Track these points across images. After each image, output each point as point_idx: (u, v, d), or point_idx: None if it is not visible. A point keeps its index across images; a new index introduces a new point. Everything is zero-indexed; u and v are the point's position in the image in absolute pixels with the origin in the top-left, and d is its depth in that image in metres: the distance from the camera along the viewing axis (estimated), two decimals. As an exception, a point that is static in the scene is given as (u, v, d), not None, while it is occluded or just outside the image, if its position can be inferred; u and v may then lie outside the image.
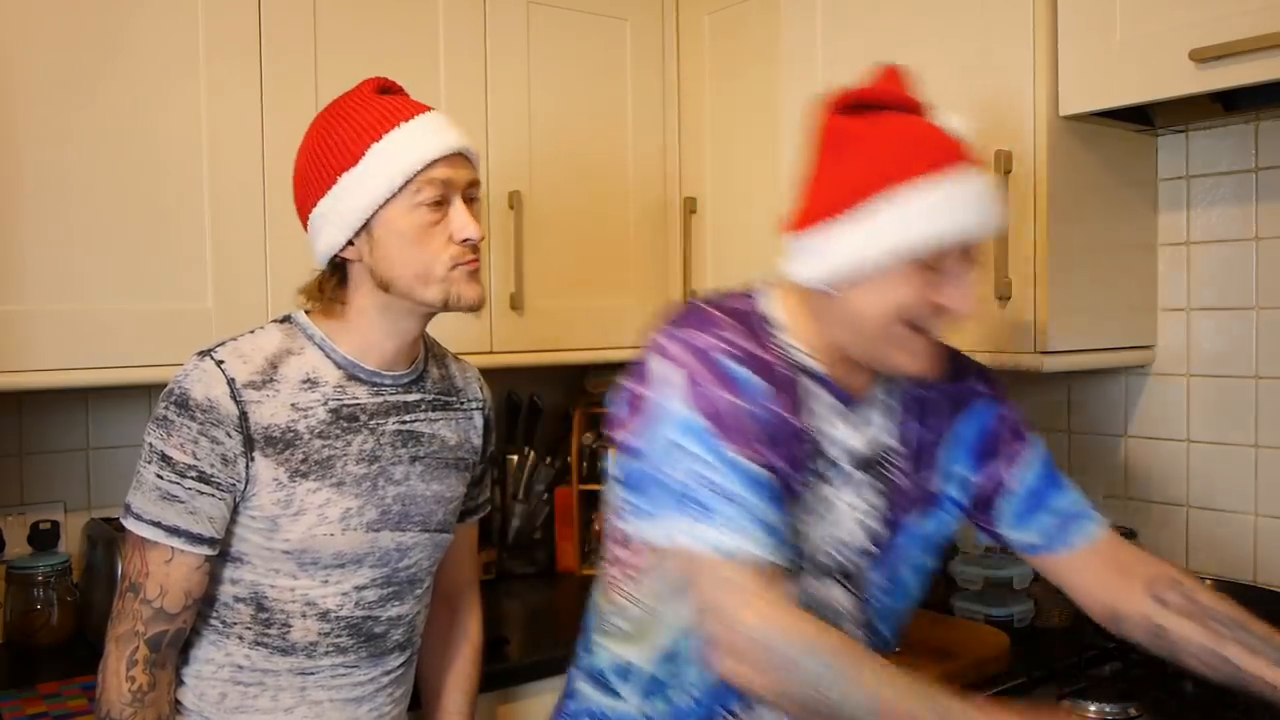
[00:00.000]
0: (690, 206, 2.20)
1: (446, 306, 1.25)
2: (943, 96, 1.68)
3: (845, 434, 1.13)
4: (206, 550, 1.19)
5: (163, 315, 1.63)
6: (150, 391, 1.95)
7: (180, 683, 1.26)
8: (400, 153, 1.19)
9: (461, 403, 1.41)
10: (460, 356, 1.48)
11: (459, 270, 1.24)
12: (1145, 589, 1.18)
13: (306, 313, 1.30)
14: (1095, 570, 1.22)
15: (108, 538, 1.71)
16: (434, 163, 1.20)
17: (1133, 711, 1.40)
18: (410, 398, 1.32)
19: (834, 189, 1.07)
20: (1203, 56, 1.35)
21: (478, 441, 1.43)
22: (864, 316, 1.06)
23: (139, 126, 1.62)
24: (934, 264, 1.04)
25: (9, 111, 1.52)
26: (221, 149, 1.68)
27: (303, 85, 1.74)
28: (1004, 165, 1.57)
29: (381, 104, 1.23)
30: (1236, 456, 1.72)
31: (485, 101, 1.97)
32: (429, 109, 1.25)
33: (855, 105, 1.08)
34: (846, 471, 1.13)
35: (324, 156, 1.23)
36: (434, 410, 1.35)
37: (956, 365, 1.23)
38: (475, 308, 1.27)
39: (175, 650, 1.23)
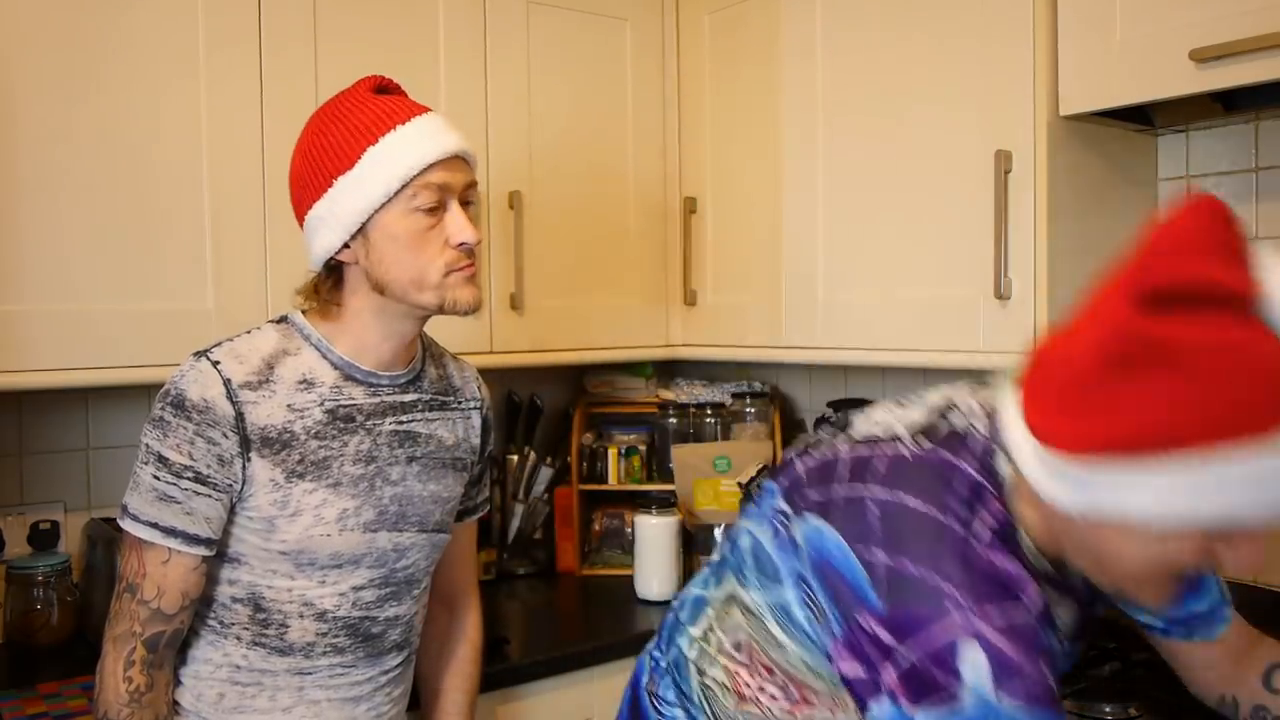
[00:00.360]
0: (690, 206, 2.20)
1: (442, 310, 1.25)
2: (943, 96, 1.69)
3: (1062, 618, 1.04)
4: (203, 551, 1.19)
5: (163, 315, 1.63)
6: (150, 391, 1.95)
7: (178, 683, 1.26)
8: (396, 156, 1.19)
9: (459, 403, 1.41)
10: (459, 356, 1.48)
11: (455, 275, 1.23)
12: (1258, 675, 1.15)
13: (303, 313, 1.30)
14: (1211, 661, 1.17)
15: (108, 538, 1.71)
16: (430, 167, 1.20)
17: (1133, 711, 1.40)
18: (407, 398, 1.32)
19: (1123, 420, 0.79)
20: (1203, 56, 1.35)
21: (476, 441, 1.43)
22: (1120, 560, 0.88)
23: (138, 125, 1.62)
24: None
25: (8, 110, 1.52)
26: (221, 149, 1.68)
27: (302, 86, 1.74)
28: (1004, 165, 1.57)
29: (378, 104, 1.22)
30: (1237, 457, 1.71)
31: (485, 101, 1.97)
32: (426, 110, 1.25)
33: (1166, 298, 0.77)
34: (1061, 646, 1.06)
35: (319, 158, 1.22)
36: (431, 410, 1.35)
37: None
38: (471, 311, 1.26)
39: (173, 651, 1.23)
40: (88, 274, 1.58)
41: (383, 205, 1.20)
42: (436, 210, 1.21)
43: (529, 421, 2.32)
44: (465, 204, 1.25)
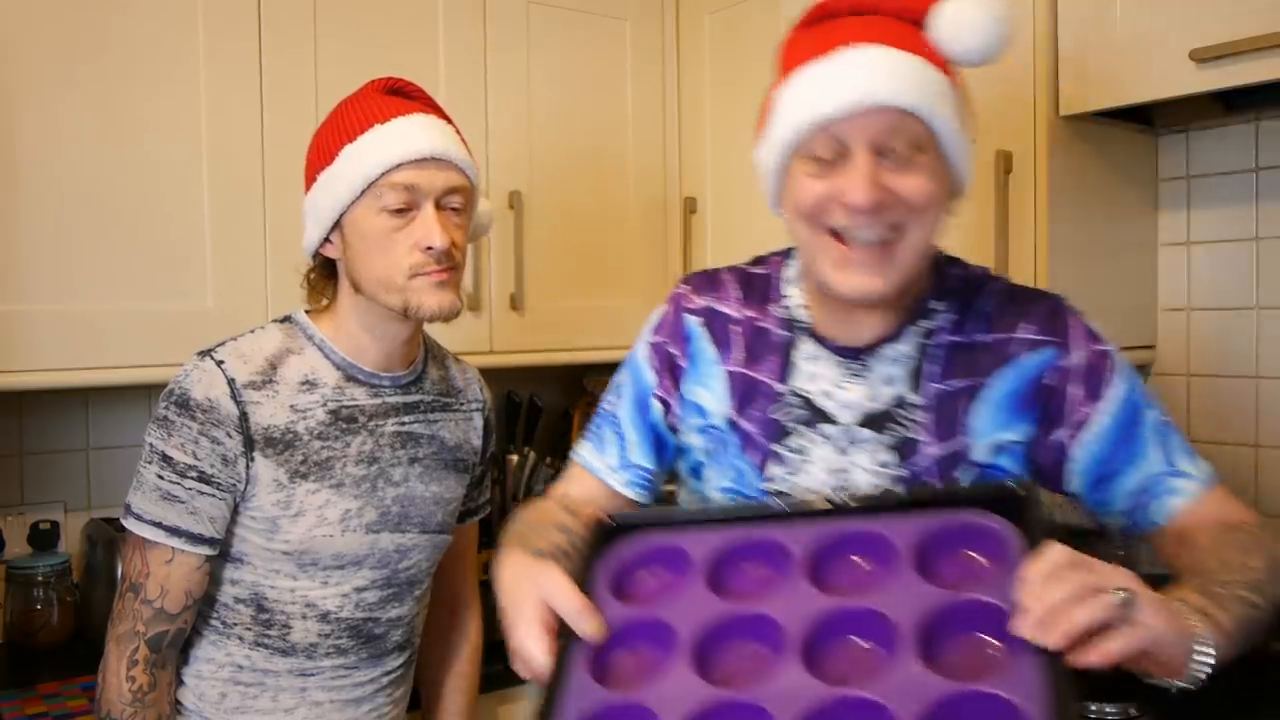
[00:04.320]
0: (690, 206, 2.20)
1: (407, 315, 1.22)
2: (943, 96, 1.69)
3: (841, 390, 1.05)
4: (207, 550, 1.19)
5: (163, 315, 1.63)
6: (150, 391, 1.95)
7: (180, 683, 1.26)
8: (366, 155, 1.19)
9: (461, 404, 1.41)
10: (460, 357, 1.48)
11: (421, 279, 1.20)
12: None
13: (307, 312, 1.30)
14: (1175, 549, 1.01)
15: (108, 538, 1.71)
16: (399, 167, 1.18)
17: (1133, 711, 1.40)
18: (409, 399, 1.32)
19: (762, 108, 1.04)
20: (1203, 56, 1.35)
21: (477, 443, 1.43)
22: (790, 229, 1.02)
23: (138, 126, 1.61)
24: (817, 156, 0.95)
25: (7, 110, 1.52)
26: (221, 149, 1.68)
27: (302, 86, 1.74)
28: (1004, 165, 1.57)
29: (373, 103, 1.23)
30: (1236, 456, 1.72)
31: (485, 101, 1.97)
32: (418, 110, 1.24)
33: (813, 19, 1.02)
34: (851, 429, 1.04)
35: (311, 154, 1.25)
36: (433, 411, 1.35)
37: (1009, 310, 1.06)
38: (438, 318, 1.23)
39: (176, 650, 1.23)
40: (88, 274, 1.58)
41: (352, 203, 1.20)
42: (407, 211, 1.20)
43: (529, 421, 2.32)
44: (445, 208, 1.22)
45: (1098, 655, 0.73)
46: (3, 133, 1.51)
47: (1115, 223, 1.71)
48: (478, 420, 1.43)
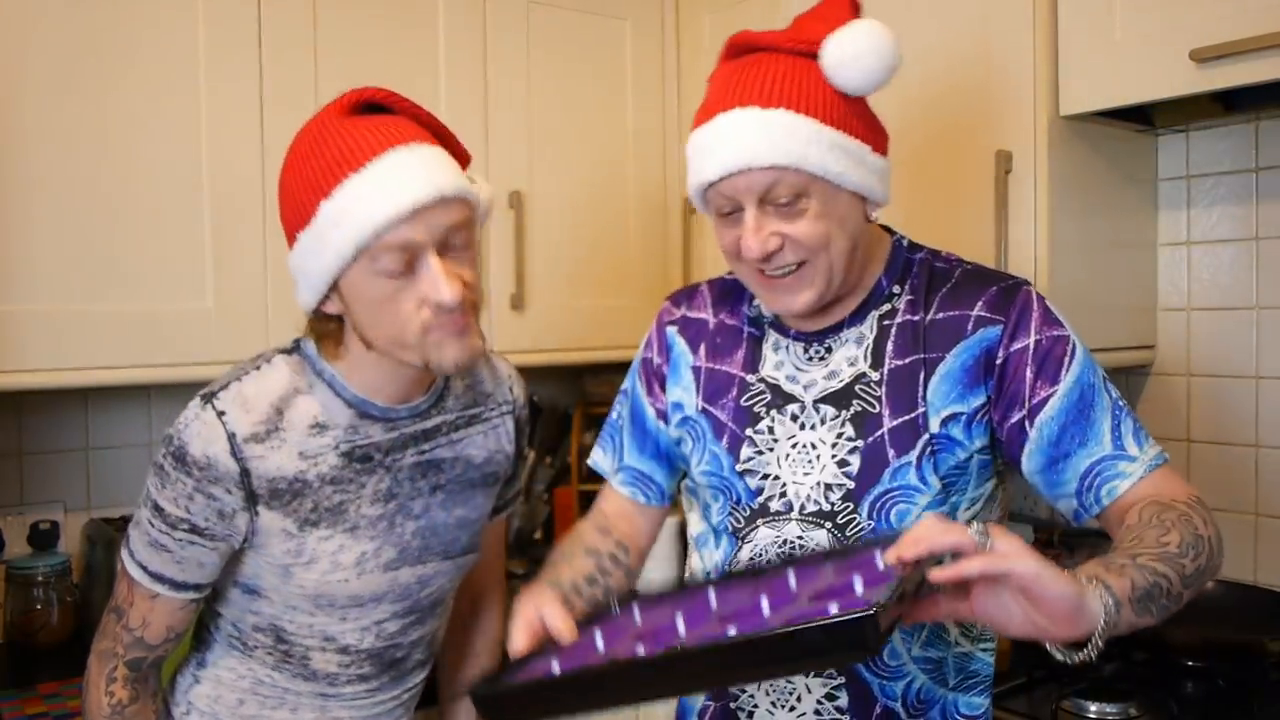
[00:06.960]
0: (690, 207, 2.20)
1: (429, 369, 1.13)
2: (943, 96, 1.69)
3: (804, 371, 1.15)
4: (192, 595, 1.16)
5: (163, 315, 1.63)
6: (149, 391, 1.95)
7: (195, 682, 1.24)
8: (349, 216, 1.02)
9: (489, 412, 1.32)
10: (493, 354, 1.38)
11: (437, 334, 1.08)
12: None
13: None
14: (1115, 530, 1.02)
15: (107, 538, 1.71)
16: (391, 225, 1.02)
17: (1133, 711, 1.40)
18: (429, 424, 1.23)
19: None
20: (1203, 56, 1.35)
21: (509, 448, 1.35)
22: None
23: (139, 126, 1.61)
24: (719, 211, 1.09)
25: (7, 109, 1.52)
26: (221, 149, 1.68)
27: (302, 86, 1.74)
28: (1004, 165, 1.57)
29: (342, 139, 1.05)
30: (1236, 456, 1.72)
31: (485, 102, 1.97)
32: (394, 144, 1.05)
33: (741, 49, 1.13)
34: (813, 406, 1.13)
35: (284, 208, 1.11)
36: (456, 430, 1.26)
37: (970, 290, 1.11)
38: (461, 368, 1.12)
39: (156, 671, 1.21)
40: (87, 274, 1.58)
41: (345, 268, 1.06)
42: (407, 270, 1.05)
43: (529, 421, 2.31)
44: (448, 249, 1.08)
45: (952, 570, 0.80)
46: (2, 132, 1.51)
47: (1115, 222, 1.71)
48: (508, 424, 1.34)
